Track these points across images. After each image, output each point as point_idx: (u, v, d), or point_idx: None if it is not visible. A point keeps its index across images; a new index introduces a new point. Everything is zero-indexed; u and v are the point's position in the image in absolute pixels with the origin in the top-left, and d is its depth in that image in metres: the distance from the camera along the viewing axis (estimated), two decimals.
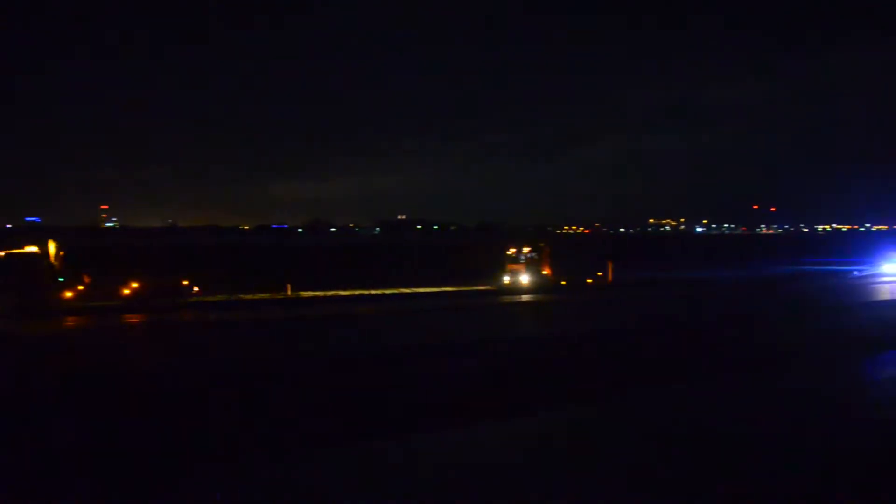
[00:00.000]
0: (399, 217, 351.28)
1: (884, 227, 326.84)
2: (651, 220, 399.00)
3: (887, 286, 64.52)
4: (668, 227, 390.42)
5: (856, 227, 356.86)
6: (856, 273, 79.77)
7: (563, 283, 66.31)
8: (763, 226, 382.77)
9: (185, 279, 50.80)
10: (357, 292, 56.94)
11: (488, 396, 21.46)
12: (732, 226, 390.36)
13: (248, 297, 52.98)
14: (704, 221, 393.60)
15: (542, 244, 71.28)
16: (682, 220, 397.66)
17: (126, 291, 47.60)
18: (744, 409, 21.45)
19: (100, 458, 15.74)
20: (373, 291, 57.52)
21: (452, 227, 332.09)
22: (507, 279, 64.94)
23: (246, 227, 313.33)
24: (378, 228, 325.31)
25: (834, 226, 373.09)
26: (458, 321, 42.82)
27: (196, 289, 50.88)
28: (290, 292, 55.03)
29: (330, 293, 56.17)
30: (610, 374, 25.11)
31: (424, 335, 35.51)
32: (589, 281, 68.81)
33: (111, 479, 14.44)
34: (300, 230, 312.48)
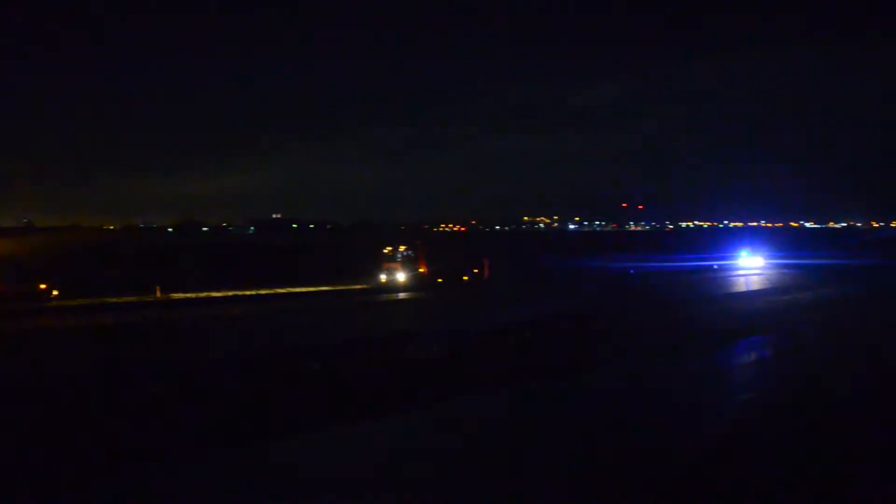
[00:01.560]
0: (274, 216, 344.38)
1: (739, 225, 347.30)
2: (525, 218, 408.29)
3: (742, 279, 68.81)
4: (542, 225, 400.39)
5: (715, 224, 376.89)
6: (715, 267, 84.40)
7: (440, 280, 67.00)
8: (632, 223, 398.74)
9: (42, 282, 48.17)
10: (230, 293, 55.62)
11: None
12: (603, 223, 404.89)
13: (114, 300, 50.74)
14: (577, 219, 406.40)
15: (417, 242, 71.88)
16: (556, 217, 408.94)
17: None
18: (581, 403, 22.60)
19: None
20: (247, 292, 56.34)
21: (329, 226, 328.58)
22: (383, 277, 65.03)
23: (112, 227, 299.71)
24: (252, 227, 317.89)
25: (696, 223, 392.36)
26: (328, 321, 42.47)
27: (55, 292, 48.35)
28: (158, 294, 53.16)
29: (202, 295, 54.63)
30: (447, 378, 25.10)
31: (301, 337, 35.08)
32: (465, 278, 69.77)
33: None
34: (170, 229, 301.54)
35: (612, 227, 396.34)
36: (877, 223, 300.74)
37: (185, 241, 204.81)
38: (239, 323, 41.78)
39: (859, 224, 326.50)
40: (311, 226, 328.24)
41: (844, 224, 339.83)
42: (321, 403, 21.45)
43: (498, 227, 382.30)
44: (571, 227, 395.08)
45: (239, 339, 34.74)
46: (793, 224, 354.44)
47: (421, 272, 66.93)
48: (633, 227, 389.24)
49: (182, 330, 39.21)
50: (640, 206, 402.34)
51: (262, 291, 57.01)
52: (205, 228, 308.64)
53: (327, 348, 27.73)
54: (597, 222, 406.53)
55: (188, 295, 54.14)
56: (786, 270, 78.16)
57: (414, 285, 62.86)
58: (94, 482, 15.50)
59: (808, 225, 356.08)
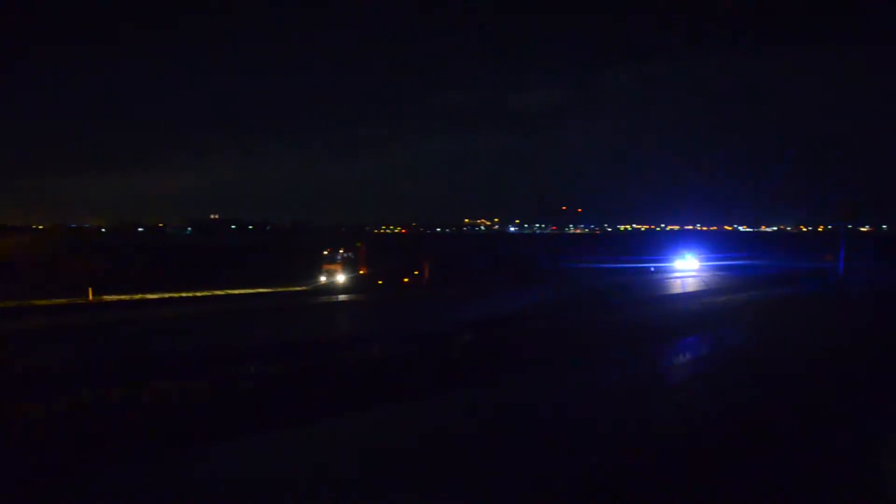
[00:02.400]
0: (212, 216, 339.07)
1: (676, 228, 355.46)
2: (466, 220, 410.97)
3: (678, 281, 70.25)
4: (482, 227, 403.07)
5: (652, 227, 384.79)
6: (652, 269, 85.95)
7: (380, 282, 66.81)
8: (571, 225, 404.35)
9: None
10: (167, 295, 54.53)
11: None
12: (543, 225, 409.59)
13: (43, 302, 49.20)
14: (517, 221, 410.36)
15: (358, 244, 71.62)
16: (496, 219, 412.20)
17: None
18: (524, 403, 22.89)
19: None
20: (184, 294, 55.29)
21: (268, 227, 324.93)
22: (323, 279, 64.56)
23: (41, 227, 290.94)
24: (190, 228, 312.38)
25: (634, 226, 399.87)
26: (265, 324, 41.78)
27: None
28: (91, 297, 51.78)
29: (137, 297, 53.41)
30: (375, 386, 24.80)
31: (237, 340, 34.49)
32: (405, 280, 69.73)
33: None
34: (103, 230, 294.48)
35: (551, 229, 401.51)
36: (805, 227, 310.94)
37: (120, 241, 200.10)
38: (173, 325, 40.92)
39: (789, 228, 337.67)
40: (251, 227, 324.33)
41: (775, 228, 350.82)
42: (252, 409, 21.17)
43: (439, 229, 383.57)
44: (512, 229, 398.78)
45: (171, 342, 33.92)
46: (727, 227, 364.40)
47: (361, 274, 66.65)
48: (572, 230, 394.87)
49: (114, 333, 38.23)
50: (580, 210, 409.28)
51: (200, 293, 56.02)
52: (140, 229, 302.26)
53: (263, 352, 27.28)
54: (537, 224, 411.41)
55: (122, 297, 52.85)
56: (720, 272, 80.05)
57: (354, 287, 62.52)
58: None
59: (741, 228, 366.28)
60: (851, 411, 21.22)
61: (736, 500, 14.56)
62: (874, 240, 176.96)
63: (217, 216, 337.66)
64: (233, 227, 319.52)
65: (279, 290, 60.74)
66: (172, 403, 21.45)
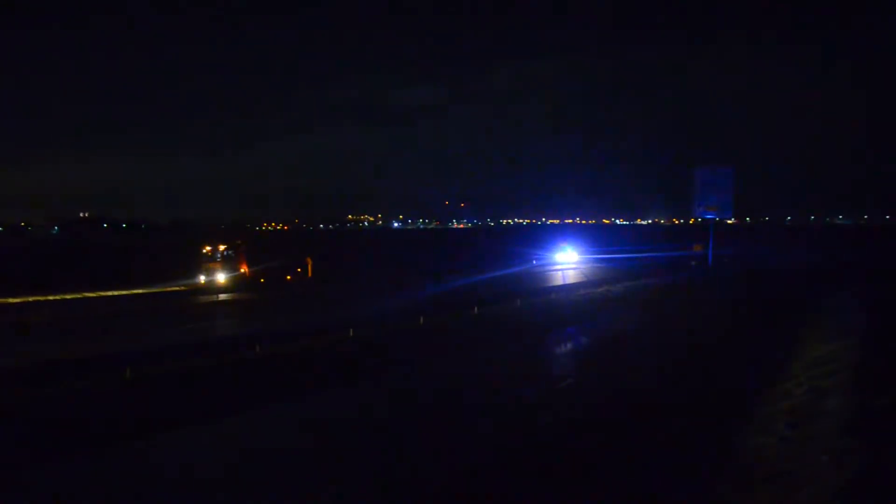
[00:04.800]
0: (81, 215, 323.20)
1: (556, 222, 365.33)
2: (350, 216, 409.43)
3: (559, 273, 71.98)
4: (366, 223, 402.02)
5: (534, 221, 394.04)
6: (534, 262, 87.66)
7: (262, 280, 65.28)
8: (454, 220, 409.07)
9: None
10: (31, 299, 51.36)
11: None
12: (427, 221, 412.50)
13: None
14: (401, 217, 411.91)
15: (238, 242, 69.59)
16: (380, 215, 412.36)
17: None
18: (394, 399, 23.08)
19: None
20: (49, 297, 52.22)
21: (143, 226, 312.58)
22: (202, 279, 62.35)
23: None
24: (56, 227, 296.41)
25: (516, 220, 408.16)
26: (138, 328, 39.74)
27: None
28: None
29: None
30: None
31: (107, 345, 32.75)
32: (288, 278, 68.36)
33: None
34: None
35: (435, 224, 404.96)
36: (677, 220, 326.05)
37: None
38: (38, 330, 38.50)
39: (662, 221, 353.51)
40: (124, 225, 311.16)
41: (650, 221, 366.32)
42: (123, 416, 20.26)
43: (322, 226, 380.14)
44: (395, 224, 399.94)
45: (34, 349, 31.78)
46: (605, 221, 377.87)
47: (242, 272, 64.84)
48: (455, 225, 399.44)
49: None
50: (462, 204, 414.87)
51: (68, 296, 53.11)
52: (0, 228, 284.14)
53: (135, 357, 25.96)
54: (420, 220, 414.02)
55: None
56: (599, 264, 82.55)
57: (235, 286, 60.77)
58: None
59: (619, 222, 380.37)
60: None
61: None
62: (740, 231, 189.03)
63: (87, 214, 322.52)
64: (104, 225, 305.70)
65: (156, 290, 58.30)
66: None
